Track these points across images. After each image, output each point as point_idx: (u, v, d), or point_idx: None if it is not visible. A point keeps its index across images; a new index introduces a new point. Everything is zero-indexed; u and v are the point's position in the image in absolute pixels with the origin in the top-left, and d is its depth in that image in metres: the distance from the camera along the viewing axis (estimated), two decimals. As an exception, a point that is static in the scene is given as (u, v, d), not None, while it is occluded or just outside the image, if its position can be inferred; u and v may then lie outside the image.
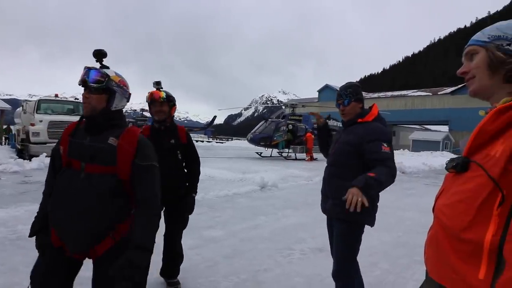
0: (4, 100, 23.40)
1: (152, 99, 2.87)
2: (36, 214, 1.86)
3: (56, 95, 14.00)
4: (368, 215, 2.36)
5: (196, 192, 3.07)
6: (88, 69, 1.75)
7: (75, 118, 12.97)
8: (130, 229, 1.72)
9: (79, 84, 1.77)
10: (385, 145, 2.23)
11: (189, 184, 3.03)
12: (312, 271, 3.58)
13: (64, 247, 1.71)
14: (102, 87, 1.74)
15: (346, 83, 2.54)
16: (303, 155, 20.56)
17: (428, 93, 46.61)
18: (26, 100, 13.97)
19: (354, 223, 2.34)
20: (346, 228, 2.37)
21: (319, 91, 54.96)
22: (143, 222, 1.68)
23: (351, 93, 2.45)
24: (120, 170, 1.71)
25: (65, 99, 14.38)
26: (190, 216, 3.10)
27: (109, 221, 1.70)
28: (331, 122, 28.71)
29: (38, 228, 1.82)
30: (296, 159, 20.22)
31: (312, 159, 19.64)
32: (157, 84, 2.91)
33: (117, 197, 1.71)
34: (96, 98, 1.75)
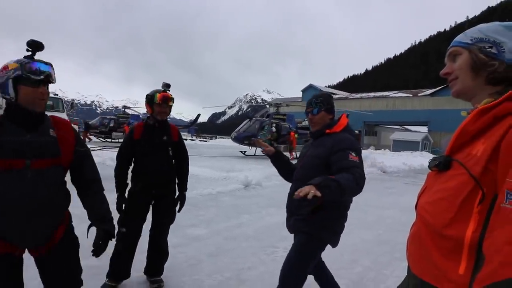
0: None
1: (163, 101, 2.93)
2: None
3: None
4: (332, 233, 2.26)
5: (186, 189, 3.16)
6: (50, 65, 1.72)
7: (55, 115, 12.60)
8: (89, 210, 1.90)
9: (44, 81, 1.70)
10: (353, 154, 2.12)
11: (180, 181, 3.12)
12: (295, 269, 3.62)
13: (10, 250, 1.66)
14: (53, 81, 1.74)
15: (319, 93, 2.49)
16: (287, 154, 20.75)
17: (408, 95, 47.71)
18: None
19: (315, 237, 2.21)
20: (305, 239, 2.24)
21: (303, 91, 55.44)
22: (101, 197, 1.93)
23: (321, 102, 2.36)
24: (64, 160, 1.78)
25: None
26: None
27: (62, 209, 1.82)
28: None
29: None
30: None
31: (295, 158, 19.83)
32: (167, 87, 3.03)
33: (64, 185, 1.81)
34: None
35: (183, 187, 3.12)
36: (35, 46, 1.70)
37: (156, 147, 2.98)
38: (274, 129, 20.96)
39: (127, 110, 29.72)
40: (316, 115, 2.36)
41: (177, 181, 3.17)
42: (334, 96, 51.12)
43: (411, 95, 47.20)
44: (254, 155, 20.94)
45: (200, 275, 3.31)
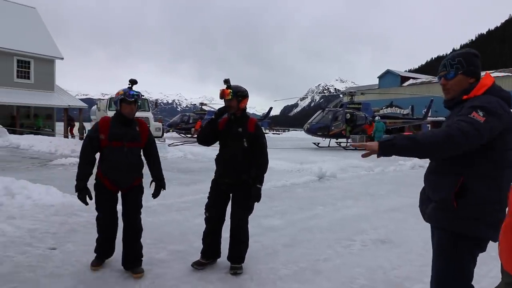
0: (82, 99, 25.97)
1: (221, 97, 3.17)
2: (81, 178, 3.03)
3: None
4: (489, 226, 1.70)
5: (262, 183, 3.19)
6: (138, 93, 3.13)
7: (141, 114, 13.73)
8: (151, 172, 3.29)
9: (134, 101, 3.11)
10: (479, 113, 1.62)
11: (255, 174, 3.17)
12: (374, 263, 3.47)
13: (114, 186, 3.10)
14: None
15: (456, 52, 1.93)
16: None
17: (507, 74, 41.69)
18: (99, 99, 15.36)
19: (462, 235, 1.74)
20: (447, 238, 1.80)
21: (380, 77, 52.14)
22: (159, 166, 3.32)
23: (460, 63, 1.83)
24: (142, 143, 3.19)
25: (133, 96, 15.52)
26: None
27: (139, 169, 3.20)
28: (393, 109, 27.18)
29: (85, 185, 3.04)
30: (356, 148, 19.54)
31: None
32: (226, 82, 3.18)
33: (140, 157, 3.18)
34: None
35: (255, 179, 3.16)
36: (132, 82, 3.14)
37: (231, 138, 3.17)
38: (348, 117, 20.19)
39: (204, 107, 31.44)
40: (450, 80, 1.86)
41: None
42: (416, 81, 47.13)
43: (510, 74, 41.19)
44: (328, 146, 20.48)
45: (275, 264, 3.37)
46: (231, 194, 3.27)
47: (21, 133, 17.87)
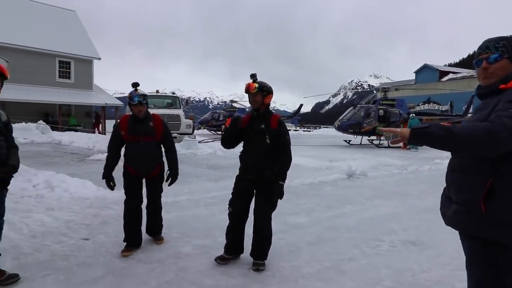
0: (118, 98, 27.08)
1: (246, 90, 3.16)
2: (106, 168, 3.51)
3: (157, 91, 15.61)
4: None
5: (284, 180, 3.16)
6: (140, 96, 3.46)
7: (172, 111, 14.09)
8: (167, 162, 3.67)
9: (138, 103, 3.46)
10: None
11: (278, 171, 3.15)
12: (402, 265, 3.34)
13: (137, 173, 3.55)
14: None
15: (499, 36, 1.75)
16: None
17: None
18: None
19: (490, 242, 1.56)
20: (481, 249, 1.60)
21: (416, 72, 50.04)
22: (174, 157, 3.67)
23: (505, 46, 1.64)
24: (157, 137, 3.56)
25: (164, 94, 15.97)
26: None
27: (158, 159, 3.61)
28: (431, 106, 25.97)
29: (110, 173, 3.50)
30: (389, 146, 18.93)
31: (408, 148, 18.14)
32: (252, 77, 3.18)
33: (160, 148, 3.61)
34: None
35: (278, 176, 3.14)
36: (134, 85, 3.51)
37: (253, 134, 3.18)
38: (380, 114, 19.54)
39: (234, 104, 31.72)
40: (493, 64, 1.65)
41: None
42: (456, 76, 44.76)
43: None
44: (360, 144, 19.98)
45: (299, 262, 3.34)
46: (254, 191, 3.27)
47: (62, 130, 18.92)
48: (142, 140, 3.47)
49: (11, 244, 3.44)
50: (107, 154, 3.59)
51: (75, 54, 22.63)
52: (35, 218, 4.30)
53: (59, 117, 21.79)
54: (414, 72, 50.93)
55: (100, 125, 23.43)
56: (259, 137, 3.15)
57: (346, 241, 3.97)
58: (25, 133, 14.96)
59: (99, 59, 24.07)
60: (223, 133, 3.41)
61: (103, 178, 3.52)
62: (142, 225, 3.67)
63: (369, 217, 5.05)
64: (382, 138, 19.64)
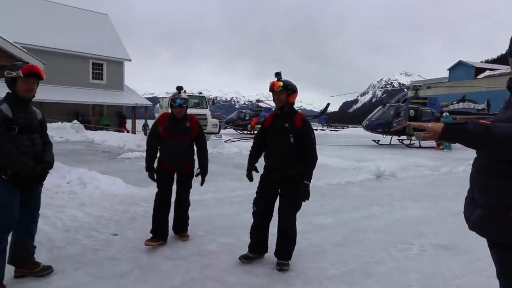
0: (148, 98, 27.86)
1: (270, 88, 3.15)
2: (148, 160, 3.73)
3: (185, 91, 15.93)
4: None
5: (309, 179, 3.11)
6: (183, 98, 3.75)
7: (199, 111, 14.30)
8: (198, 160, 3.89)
9: (180, 105, 3.74)
10: None
11: (303, 170, 3.11)
12: (433, 270, 3.20)
13: (170, 168, 3.76)
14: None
15: None
16: (431, 143, 18.36)
17: None
18: (162, 97, 16.31)
19: None
20: (508, 257, 1.51)
21: (450, 69, 47.95)
22: (205, 155, 3.86)
23: None
24: (192, 136, 3.77)
25: (192, 94, 16.24)
26: None
27: (190, 156, 3.82)
28: (465, 105, 24.80)
29: (151, 165, 3.73)
30: (420, 147, 18.26)
31: (439, 146, 17.42)
32: (277, 75, 3.17)
33: (192, 146, 3.81)
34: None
35: (303, 176, 3.09)
36: (178, 88, 3.89)
37: (277, 133, 3.15)
38: (411, 113, 18.88)
39: (260, 104, 31.74)
40: None
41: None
42: (493, 73, 42.53)
43: None
44: (389, 144, 19.41)
45: (323, 263, 3.28)
46: (279, 190, 3.25)
47: (95, 129, 19.70)
48: (179, 138, 3.68)
49: (45, 238, 3.60)
50: (146, 148, 3.83)
51: (107, 56, 23.49)
52: (68, 213, 4.49)
53: (92, 117, 22.70)
54: (447, 69, 48.82)
55: (125, 125, 24.19)
56: (283, 136, 3.12)
57: (373, 244, 3.86)
58: (61, 132, 15.69)
59: (130, 60, 24.85)
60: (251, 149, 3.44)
61: (146, 171, 3.76)
62: (169, 220, 3.78)
63: (398, 219, 4.89)
64: (413, 138, 18.98)
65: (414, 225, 4.62)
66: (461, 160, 11.18)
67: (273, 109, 3.45)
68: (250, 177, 3.38)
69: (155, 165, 3.79)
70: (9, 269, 2.72)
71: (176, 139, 3.67)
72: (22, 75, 2.57)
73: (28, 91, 2.65)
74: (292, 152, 3.11)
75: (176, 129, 3.69)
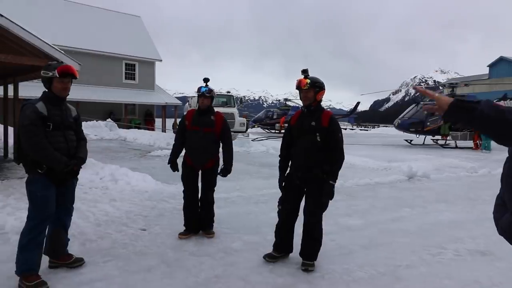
0: (178, 98, 28.45)
1: (297, 86, 3.09)
2: (172, 154, 3.86)
3: (210, 88, 16.15)
4: None
5: (335, 179, 3.04)
6: (208, 88, 3.76)
7: (227, 110, 14.39)
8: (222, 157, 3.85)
9: (204, 96, 3.77)
10: None
11: (329, 170, 3.04)
12: (468, 276, 3.03)
13: (193, 164, 3.79)
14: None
15: None
16: (468, 143, 17.45)
17: None
18: (191, 96, 16.59)
19: None
20: None
21: (491, 66, 45.38)
22: (229, 150, 3.85)
23: None
24: (216, 130, 3.77)
25: (220, 93, 16.40)
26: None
27: (214, 151, 3.80)
28: (507, 103, 23.39)
29: (174, 159, 3.86)
30: (456, 147, 17.42)
31: (477, 147, 16.52)
32: (304, 72, 3.10)
33: (217, 141, 3.80)
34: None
35: (329, 175, 3.02)
36: (205, 80, 3.84)
37: (303, 132, 3.10)
38: None
39: (288, 102, 31.56)
40: None
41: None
42: (538, 69, 39.79)
43: None
44: (423, 144, 18.68)
45: (350, 265, 3.18)
46: (305, 189, 3.19)
47: (128, 127, 20.39)
48: (202, 131, 3.73)
49: (78, 231, 3.76)
50: (174, 142, 3.96)
51: (140, 56, 24.22)
52: (101, 208, 4.66)
53: (125, 116, 23.51)
54: (487, 66, 46.27)
55: (154, 124, 24.83)
56: (309, 134, 3.06)
57: (404, 247, 3.71)
58: (96, 130, 16.37)
59: (161, 60, 25.49)
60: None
61: (168, 163, 3.89)
62: (198, 214, 3.88)
63: (431, 222, 4.67)
64: (448, 138, 18.14)
65: (448, 228, 4.41)
66: (501, 162, 10.45)
67: (300, 107, 3.38)
68: (282, 189, 3.32)
69: (181, 160, 3.86)
70: (44, 260, 2.85)
71: (199, 131, 3.73)
72: (57, 75, 2.69)
73: (63, 90, 2.77)
74: (319, 151, 3.04)
75: (200, 121, 3.76)
